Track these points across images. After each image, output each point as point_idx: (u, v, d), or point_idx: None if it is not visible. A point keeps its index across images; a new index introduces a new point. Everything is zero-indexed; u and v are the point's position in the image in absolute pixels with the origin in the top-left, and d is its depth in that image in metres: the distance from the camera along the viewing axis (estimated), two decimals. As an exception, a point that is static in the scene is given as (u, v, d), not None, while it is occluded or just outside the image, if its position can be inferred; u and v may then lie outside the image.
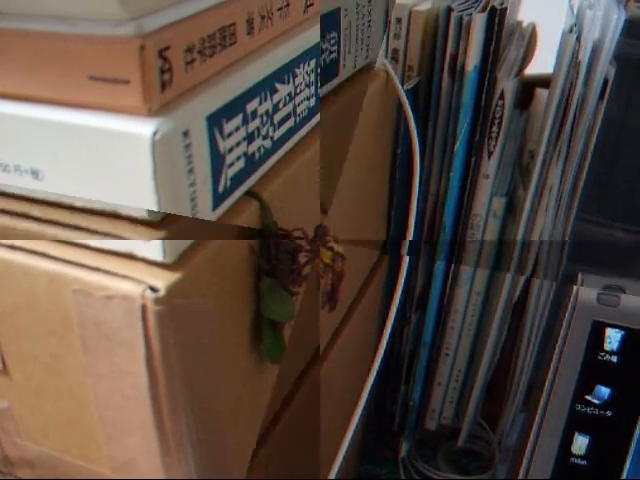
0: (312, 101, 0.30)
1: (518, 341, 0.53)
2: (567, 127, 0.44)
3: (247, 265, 0.26)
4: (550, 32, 0.48)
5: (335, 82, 0.34)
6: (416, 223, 0.44)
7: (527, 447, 0.40)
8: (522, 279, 0.49)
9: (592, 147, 0.46)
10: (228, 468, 0.29)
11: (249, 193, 0.26)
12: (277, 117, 0.27)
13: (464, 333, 0.52)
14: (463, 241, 0.48)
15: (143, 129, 0.20)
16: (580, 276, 0.40)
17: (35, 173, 0.22)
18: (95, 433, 0.26)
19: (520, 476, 0.41)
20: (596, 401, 0.38)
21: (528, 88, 0.57)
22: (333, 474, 0.37)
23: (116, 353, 0.22)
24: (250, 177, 0.25)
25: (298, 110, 0.29)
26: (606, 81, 0.44)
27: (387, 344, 0.41)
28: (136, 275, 0.21)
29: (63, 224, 0.22)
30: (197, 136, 0.21)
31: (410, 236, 0.42)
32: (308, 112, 0.30)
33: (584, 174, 0.46)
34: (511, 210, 0.49)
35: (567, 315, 0.38)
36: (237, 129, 0.24)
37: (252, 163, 0.25)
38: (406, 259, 0.41)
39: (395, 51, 0.44)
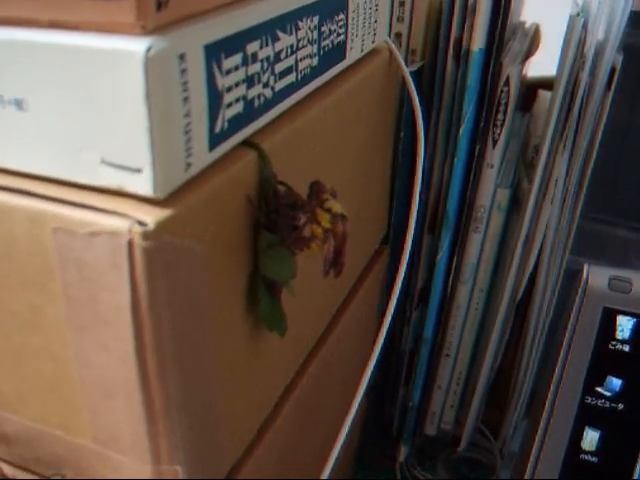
0: (315, 60, 0.29)
1: (521, 343, 0.51)
2: (574, 116, 0.43)
3: (245, 218, 0.24)
4: (553, 37, 0.47)
5: (342, 66, 0.33)
6: (418, 212, 0.42)
7: (534, 444, 0.38)
8: (526, 275, 0.47)
9: (599, 137, 0.44)
10: (220, 446, 0.27)
11: (248, 144, 0.24)
12: (278, 67, 0.25)
13: (466, 332, 0.50)
14: (466, 233, 0.46)
15: (136, 46, 0.18)
16: (586, 267, 0.39)
17: (19, 103, 0.21)
18: (75, 399, 0.24)
19: (527, 475, 0.38)
20: (607, 393, 0.36)
21: (531, 90, 0.56)
22: (325, 474, 0.35)
23: (99, 300, 0.21)
24: (249, 125, 0.24)
25: (300, 66, 0.27)
26: (613, 70, 0.43)
27: (386, 340, 0.39)
28: (123, 210, 0.20)
29: (67, 202, 0.21)
30: (194, 63, 0.20)
31: (411, 226, 0.40)
32: (311, 71, 0.28)
33: (591, 165, 0.45)
34: (515, 204, 0.48)
35: (577, 302, 0.36)
36: (236, 68, 0.22)
37: (251, 110, 0.24)
38: (407, 250, 0.40)
39: (398, 35, 0.43)
